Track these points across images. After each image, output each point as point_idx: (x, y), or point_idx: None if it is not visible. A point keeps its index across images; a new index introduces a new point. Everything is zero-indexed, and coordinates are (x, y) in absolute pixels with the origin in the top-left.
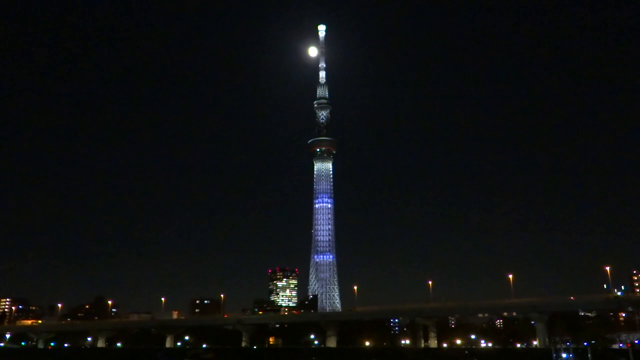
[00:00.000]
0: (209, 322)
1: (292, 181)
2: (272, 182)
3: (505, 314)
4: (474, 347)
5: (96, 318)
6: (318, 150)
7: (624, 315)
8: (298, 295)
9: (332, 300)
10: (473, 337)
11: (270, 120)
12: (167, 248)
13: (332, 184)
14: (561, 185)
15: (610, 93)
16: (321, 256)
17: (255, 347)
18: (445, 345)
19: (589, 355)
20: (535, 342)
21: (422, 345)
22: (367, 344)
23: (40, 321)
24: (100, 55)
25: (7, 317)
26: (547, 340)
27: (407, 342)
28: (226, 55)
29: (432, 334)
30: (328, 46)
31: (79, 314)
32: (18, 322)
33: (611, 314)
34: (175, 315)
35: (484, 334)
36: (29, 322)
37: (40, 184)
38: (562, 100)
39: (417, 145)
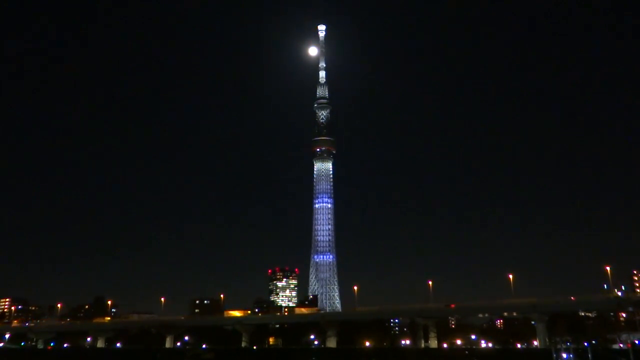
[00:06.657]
0: (209, 322)
1: (292, 181)
2: (272, 182)
3: (505, 314)
4: (474, 347)
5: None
6: (318, 150)
7: (624, 315)
8: (298, 295)
9: (332, 300)
10: (473, 337)
11: (270, 120)
12: (167, 248)
13: (332, 184)
14: (561, 185)
15: (610, 93)
16: (321, 256)
17: (255, 347)
18: (445, 345)
19: (589, 356)
20: (535, 342)
21: (422, 345)
22: (367, 344)
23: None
24: (100, 55)
25: (7, 317)
26: (547, 340)
27: (407, 342)
28: (226, 55)
29: (432, 334)
30: (328, 46)
31: (79, 314)
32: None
33: (611, 314)
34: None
35: (484, 334)
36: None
37: (40, 184)
38: (562, 100)
39: (417, 145)
